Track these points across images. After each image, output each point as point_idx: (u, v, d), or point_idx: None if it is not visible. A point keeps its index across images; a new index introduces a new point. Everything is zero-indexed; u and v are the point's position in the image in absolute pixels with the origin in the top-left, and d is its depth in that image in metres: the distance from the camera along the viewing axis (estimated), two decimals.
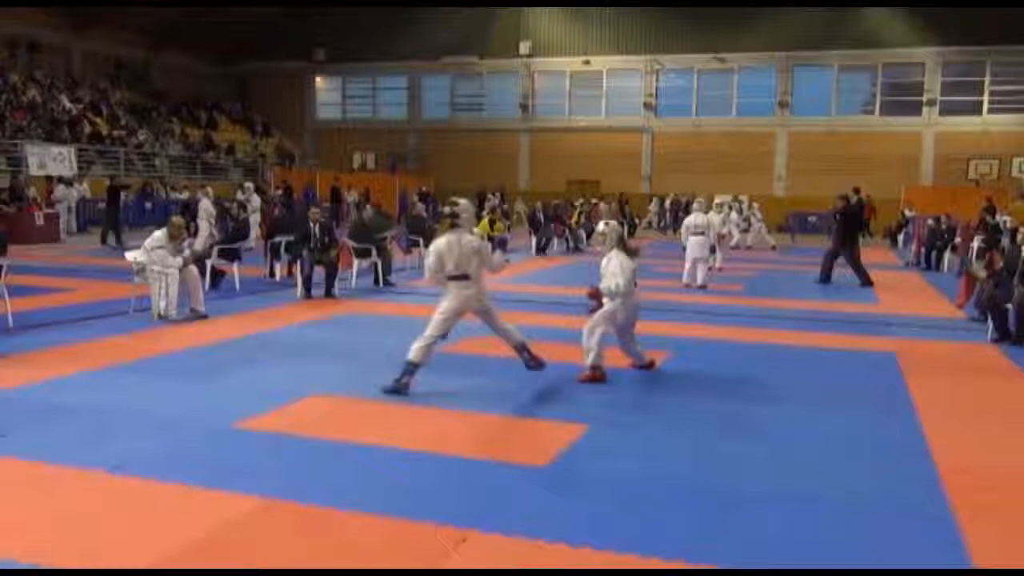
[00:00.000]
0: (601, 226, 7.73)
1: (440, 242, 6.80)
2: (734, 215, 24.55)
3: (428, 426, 5.93)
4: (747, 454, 5.43)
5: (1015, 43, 30.86)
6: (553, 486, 4.77)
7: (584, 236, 23.03)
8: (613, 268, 7.27)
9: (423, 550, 3.91)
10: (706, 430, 5.95)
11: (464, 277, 6.77)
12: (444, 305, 6.84)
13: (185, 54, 38.11)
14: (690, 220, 14.75)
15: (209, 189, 20.63)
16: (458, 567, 3.77)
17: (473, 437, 5.70)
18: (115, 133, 30.28)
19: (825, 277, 15.05)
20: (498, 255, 7.35)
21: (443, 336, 6.90)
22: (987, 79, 32.64)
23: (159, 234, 9.91)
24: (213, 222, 17.59)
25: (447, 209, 6.94)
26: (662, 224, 32.73)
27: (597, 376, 7.22)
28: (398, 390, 6.58)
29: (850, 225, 15.47)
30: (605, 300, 7.31)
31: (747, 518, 4.36)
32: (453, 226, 6.79)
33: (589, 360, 7.25)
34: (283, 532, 4.08)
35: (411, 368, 6.66)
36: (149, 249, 9.77)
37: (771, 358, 8.59)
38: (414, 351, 6.67)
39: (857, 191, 19.52)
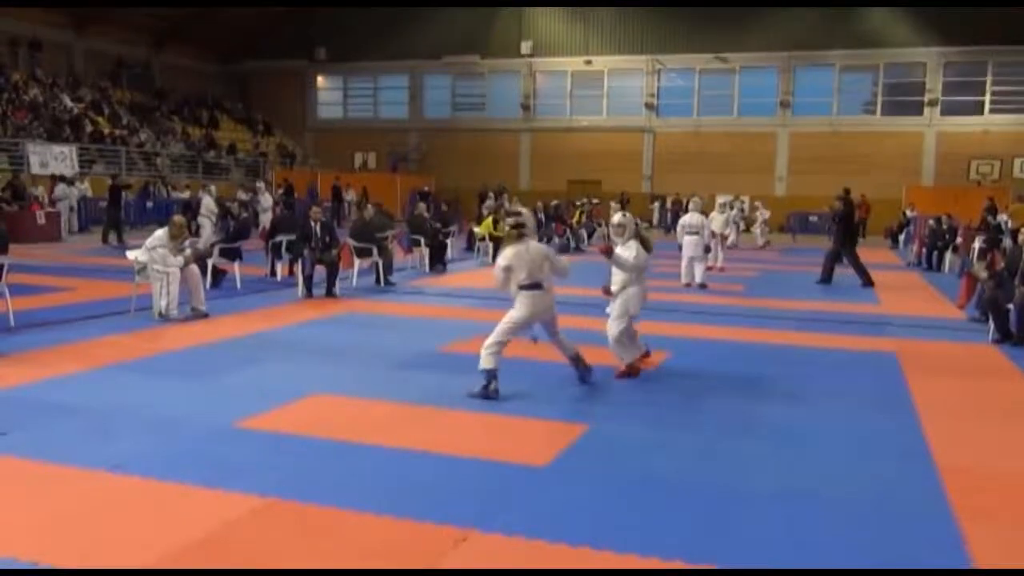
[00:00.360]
0: (618, 217, 7.86)
1: (508, 252, 6.79)
2: (735, 213, 24.55)
3: (429, 426, 5.94)
4: (747, 453, 5.43)
5: (1017, 43, 30.82)
6: (553, 486, 4.77)
7: (585, 236, 23.05)
8: (631, 254, 7.43)
9: (423, 550, 3.91)
10: (706, 429, 5.96)
11: (536, 286, 6.74)
12: (513, 314, 6.76)
13: (186, 53, 38.12)
14: (685, 219, 14.91)
15: (212, 187, 20.62)
16: (458, 567, 3.77)
17: (473, 437, 5.70)
18: (116, 132, 30.28)
19: (826, 278, 15.06)
20: (564, 259, 7.49)
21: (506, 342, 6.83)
22: (989, 79, 32.57)
23: (160, 233, 9.92)
24: (215, 220, 17.59)
25: (512, 220, 7.03)
26: (664, 223, 32.70)
27: (634, 372, 7.38)
28: (488, 396, 6.55)
29: (848, 225, 15.53)
30: (614, 286, 7.48)
31: (747, 518, 4.36)
32: (520, 236, 6.82)
33: (626, 359, 7.37)
34: (283, 532, 4.09)
35: (491, 374, 6.61)
36: (150, 248, 9.78)
37: (772, 358, 8.59)
38: (484, 359, 6.62)
39: (847, 192, 19.56)
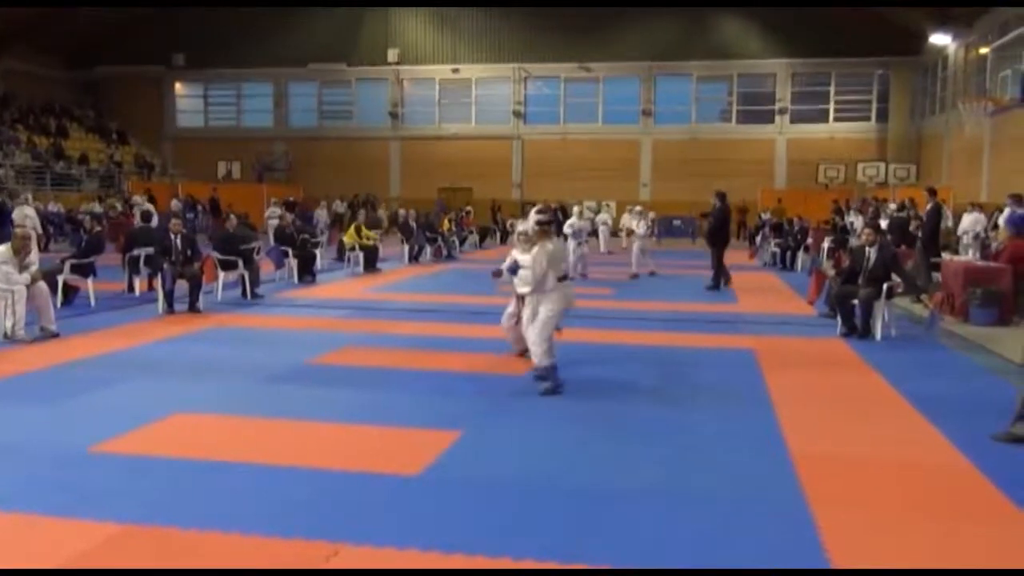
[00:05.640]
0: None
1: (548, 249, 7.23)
2: (601, 217, 25.55)
3: (298, 440, 5.80)
4: (616, 452, 5.57)
5: (855, 56, 33.07)
6: (425, 494, 4.75)
7: (457, 243, 23.13)
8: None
9: (293, 566, 3.82)
10: (577, 431, 6.07)
11: (565, 277, 7.46)
12: (553, 307, 7.25)
13: (31, 57, 35.88)
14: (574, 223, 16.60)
15: (29, 196, 19.30)
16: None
17: (345, 449, 5.61)
18: None
19: (715, 283, 15.13)
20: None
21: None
22: (832, 89, 34.82)
23: (2, 250, 9.30)
24: (40, 231, 16.53)
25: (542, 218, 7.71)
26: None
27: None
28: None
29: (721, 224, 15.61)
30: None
31: (617, 516, 4.46)
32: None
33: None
34: (142, 559, 3.90)
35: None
36: None
37: (639, 358, 8.84)
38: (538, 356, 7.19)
39: (723, 195, 20.44)
